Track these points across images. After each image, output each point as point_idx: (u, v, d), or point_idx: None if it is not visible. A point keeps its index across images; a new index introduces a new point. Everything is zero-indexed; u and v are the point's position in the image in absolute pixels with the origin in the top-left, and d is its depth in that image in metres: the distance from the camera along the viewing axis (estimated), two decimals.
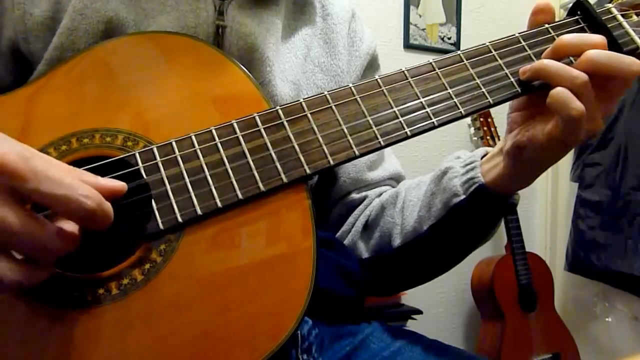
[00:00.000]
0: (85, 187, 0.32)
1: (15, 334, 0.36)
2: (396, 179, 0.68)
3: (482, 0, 1.90)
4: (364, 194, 0.64)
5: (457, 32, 1.84)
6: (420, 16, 1.77)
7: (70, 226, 0.34)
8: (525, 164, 0.47)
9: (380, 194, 0.64)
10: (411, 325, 1.56)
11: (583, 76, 0.42)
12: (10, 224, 0.30)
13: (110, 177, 0.39)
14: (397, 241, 0.57)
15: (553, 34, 0.48)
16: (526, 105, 0.48)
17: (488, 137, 1.68)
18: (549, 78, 0.44)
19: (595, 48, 0.44)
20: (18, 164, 0.30)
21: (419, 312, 1.55)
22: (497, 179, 0.49)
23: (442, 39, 1.82)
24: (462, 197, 0.50)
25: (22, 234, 0.31)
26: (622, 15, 0.48)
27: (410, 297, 1.61)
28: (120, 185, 0.36)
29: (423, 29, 1.79)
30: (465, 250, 0.57)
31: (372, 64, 0.68)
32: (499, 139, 1.68)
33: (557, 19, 0.49)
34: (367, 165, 0.64)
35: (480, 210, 0.51)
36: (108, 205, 0.34)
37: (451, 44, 1.82)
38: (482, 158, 0.52)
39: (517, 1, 1.94)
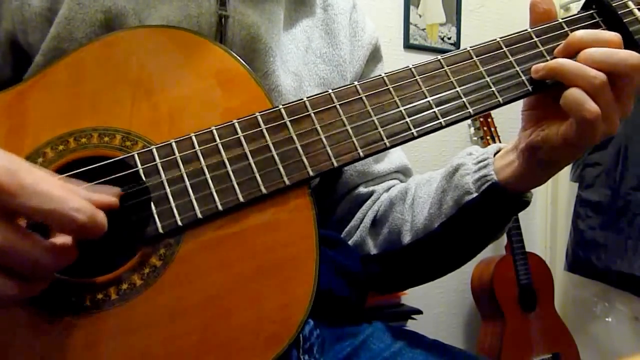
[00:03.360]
0: (75, 199, 0.32)
1: (14, 340, 0.35)
2: (403, 172, 0.67)
3: (482, 0, 1.90)
4: (371, 188, 0.63)
5: (457, 32, 1.83)
6: (420, 16, 1.77)
7: (64, 240, 0.33)
8: (540, 163, 0.46)
9: (388, 189, 0.63)
10: (411, 325, 1.55)
11: (601, 76, 0.41)
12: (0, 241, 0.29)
13: (109, 178, 0.38)
14: (406, 238, 0.56)
15: (567, 29, 0.47)
16: (541, 103, 0.47)
17: (488, 137, 1.68)
18: (565, 78, 0.43)
19: (610, 46, 0.43)
20: (4, 180, 0.29)
21: (419, 312, 1.55)
22: (510, 177, 0.48)
23: (442, 39, 1.81)
24: (475, 195, 0.49)
25: (12, 251, 0.30)
26: (639, 9, 0.47)
27: (410, 297, 1.61)
28: (112, 201, 0.36)
29: (423, 29, 1.78)
30: (477, 247, 0.56)
31: (374, 55, 0.67)
32: (499, 139, 1.67)
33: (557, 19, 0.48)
34: (372, 159, 0.63)
35: (493, 208, 0.50)
36: (100, 216, 0.33)
37: (451, 44, 1.82)
38: (495, 154, 0.51)
39: (517, 1, 1.94)
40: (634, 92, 0.43)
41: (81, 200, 0.32)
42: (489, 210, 0.50)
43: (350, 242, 0.61)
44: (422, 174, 0.60)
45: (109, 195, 0.36)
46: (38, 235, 0.32)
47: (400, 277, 0.61)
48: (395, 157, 0.66)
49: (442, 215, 0.52)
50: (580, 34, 0.44)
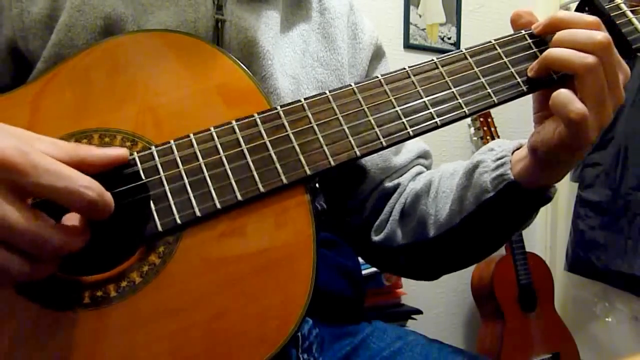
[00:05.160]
0: (85, 177, 0.33)
1: (13, 336, 0.35)
2: (423, 157, 0.67)
3: (482, 0, 1.90)
4: (396, 181, 0.63)
5: (457, 32, 1.83)
6: (420, 16, 1.77)
7: (75, 222, 0.34)
8: (544, 162, 0.47)
9: (413, 178, 0.64)
10: (411, 325, 1.56)
11: (591, 56, 0.42)
12: (11, 220, 0.30)
13: (108, 183, 0.39)
14: (431, 232, 0.57)
15: None
16: (546, 105, 0.47)
17: (488, 137, 1.68)
18: (558, 63, 0.43)
19: (588, 27, 0.44)
20: (17, 159, 0.30)
21: (419, 312, 1.55)
22: (523, 174, 0.48)
23: (442, 39, 1.81)
24: (492, 193, 0.50)
25: (22, 230, 0.31)
26: (632, 11, 0.48)
27: (410, 297, 1.61)
28: (122, 152, 0.38)
29: (423, 29, 1.78)
30: (500, 241, 0.57)
31: (377, 54, 0.68)
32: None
33: None
34: (392, 152, 0.64)
35: (511, 206, 0.51)
36: (108, 195, 0.34)
37: (451, 44, 1.82)
38: (514, 151, 0.51)
39: (517, 1, 1.94)
40: (617, 76, 0.43)
41: (90, 179, 0.33)
42: (507, 208, 0.51)
43: (382, 235, 0.62)
44: (449, 164, 0.61)
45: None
46: (47, 216, 0.33)
47: (430, 266, 0.62)
48: (412, 145, 0.66)
49: (463, 212, 0.53)
50: (562, 13, 0.45)
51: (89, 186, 0.33)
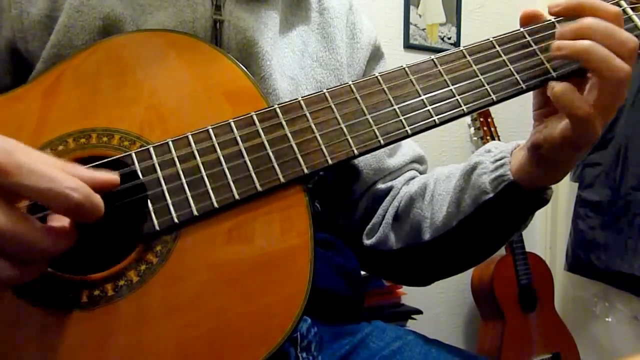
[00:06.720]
0: (71, 179, 0.32)
1: (10, 336, 0.35)
2: (418, 161, 0.67)
3: (482, 0, 1.90)
4: (389, 184, 0.63)
5: (457, 32, 1.84)
6: (420, 16, 1.77)
7: (62, 223, 0.34)
8: (545, 162, 0.46)
9: (408, 182, 0.63)
10: (411, 325, 1.56)
11: (626, 67, 0.40)
12: None
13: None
14: (427, 235, 0.56)
15: (559, 28, 0.47)
16: (546, 102, 0.47)
17: (488, 137, 1.68)
18: (595, 63, 0.41)
19: (614, 20, 0.42)
20: (1, 159, 0.30)
21: (419, 312, 1.55)
22: (522, 174, 0.48)
23: (442, 39, 1.81)
24: (491, 194, 0.49)
25: (6, 232, 0.30)
26: (632, 9, 0.47)
27: (410, 297, 1.61)
28: (113, 178, 0.36)
29: (423, 29, 1.78)
30: (498, 243, 0.56)
31: (375, 54, 0.67)
32: (499, 139, 1.67)
33: None
34: (386, 153, 0.63)
35: (510, 207, 0.50)
36: (97, 197, 0.33)
37: (451, 44, 1.82)
38: (512, 152, 0.51)
39: (517, 1, 1.94)
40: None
41: (77, 180, 0.32)
42: (506, 209, 0.50)
43: (374, 239, 0.61)
44: (443, 167, 0.60)
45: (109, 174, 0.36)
46: (34, 218, 0.32)
47: (424, 271, 0.61)
48: (407, 148, 0.66)
49: (461, 214, 0.52)
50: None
51: (76, 188, 0.31)
